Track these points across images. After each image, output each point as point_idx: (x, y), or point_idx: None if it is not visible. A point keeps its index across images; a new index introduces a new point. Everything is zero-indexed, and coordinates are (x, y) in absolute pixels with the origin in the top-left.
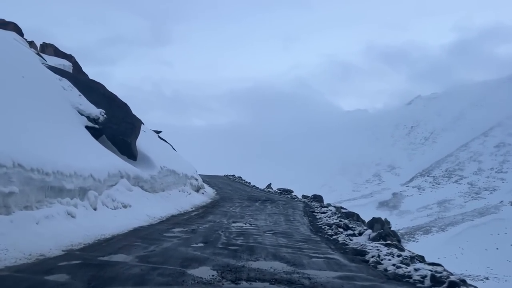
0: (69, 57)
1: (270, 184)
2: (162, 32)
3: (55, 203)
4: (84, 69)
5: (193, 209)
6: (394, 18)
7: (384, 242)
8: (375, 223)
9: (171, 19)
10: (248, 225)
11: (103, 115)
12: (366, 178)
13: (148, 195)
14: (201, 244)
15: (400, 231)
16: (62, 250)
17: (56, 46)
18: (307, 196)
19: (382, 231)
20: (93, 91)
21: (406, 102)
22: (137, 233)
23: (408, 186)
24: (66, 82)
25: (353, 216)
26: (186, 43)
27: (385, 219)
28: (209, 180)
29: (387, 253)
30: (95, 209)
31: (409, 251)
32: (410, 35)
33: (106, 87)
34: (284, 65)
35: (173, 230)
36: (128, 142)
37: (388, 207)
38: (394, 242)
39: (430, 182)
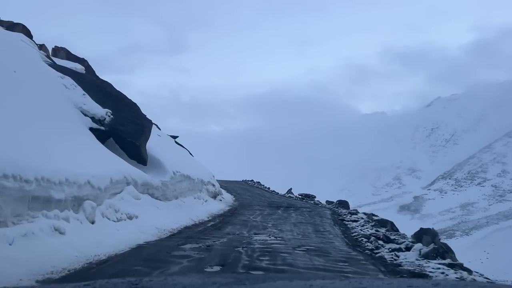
0: (82, 61)
1: (291, 189)
2: (179, 40)
3: (39, 217)
4: (102, 78)
5: (210, 218)
6: (411, 20)
7: (444, 262)
8: (423, 234)
9: (188, 27)
10: (272, 238)
11: (109, 116)
12: (386, 182)
13: (158, 203)
14: (217, 268)
15: None
16: (37, 281)
17: (69, 50)
18: (332, 202)
19: (434, 245)
20: (99, 90)
21: (425, 104)
22: (140, 251)
23: (429, 189)
24: (68, 80)
25: (387, 224)
26: (203, 50)
27: (432, 228)
28: (227, 185)
29: (456, 278)
30: (92, 223)
31: (477, 273)
32: (428, 36)
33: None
34: (300, 69)
35: (184, 247)
36: (137, 145)
37: (409, 211)
38: (458, 262)
39: (452, 185)
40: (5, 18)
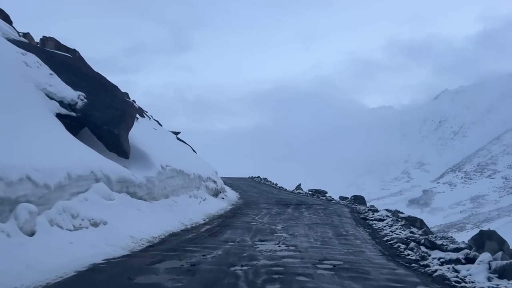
0: (72, 51)
1: (300, 184)
2: (183, 39)
3: None
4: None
5: (206, 220)
6: (415, 12)
7: None
8: (486, 239)
9: (192, 25)
10: (283, 247)
11: (82, 100)
12: (394, 176)
13: (141, 204)
14: None
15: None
16: None
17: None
18: (346, 198)
19: (503, 253)
20: (73, 70)
21: (433, 96)
22: (88, 278)
23: (438, 182)
24: (31, 58)
25: (417, 222)
26: (207, 48)
27: (493, 231)
28: (232, 182)
29: None
30: (31, 234)
31: None
32: (433, 28)
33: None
34: (305, 64)
35: (158, 267)
36: (115, 134)
37: (418, 205)
38: None
39: (461, 177)
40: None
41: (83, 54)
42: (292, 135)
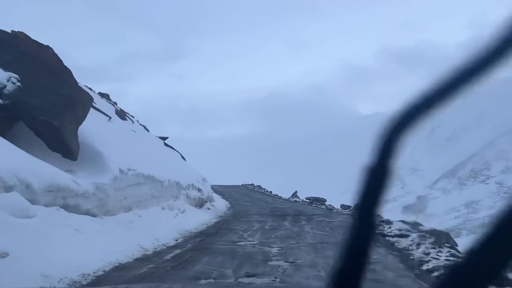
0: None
1: (296, 192)
2: (176, 47)
3: None
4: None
5: (178, 241)
6: (406, 20)
7: None
8: None
9: (184, 34)
10: None
11: (14, 83)
12: None
13: (83, 222)
14: None
15: None
16: None
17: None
18: (348, 206)
19: None
20: (7, 48)
21: None
22: None
23: (432, 188)
24: None
25: (443, 237)
26: (199, 56)
27: None
28: (223, 190)
29: None
30: None
31: None
32: (424, 35)
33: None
34: (297, 72)
35: None
36: (55, 127)
37: (413, 211)
38: None
39: (455, 183)
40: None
41: (76, 62)
42: (286, 142)
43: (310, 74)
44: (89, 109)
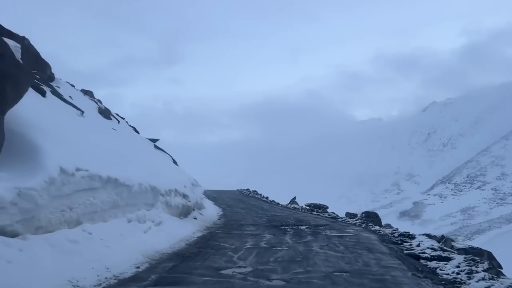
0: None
1: (295, 198)
2: (172, 51)
3: None
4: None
5: (141, 268)
6: (401, 26)
7: None
8: None
9: (181, 38)
10: None
11: None
12: (384, 188)
13: None
14: None
15: None
16: None
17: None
18: (354, 215)
19: None
20: None
21: (421, 108)
22: None
23: (429, 194)
24: None
25: (483, 256)
26: (196, 61)
27: None
28: (216, 196)
29: None
30: None
31: None
32: (418, 41)
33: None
34: (293, 77)
35: None
36: None
37: (409, 217)
38: None
39: (451, 189)
40: None
41: (72, 67)
42: (281, 147)
43: (305, 79)
44: (26, 89)
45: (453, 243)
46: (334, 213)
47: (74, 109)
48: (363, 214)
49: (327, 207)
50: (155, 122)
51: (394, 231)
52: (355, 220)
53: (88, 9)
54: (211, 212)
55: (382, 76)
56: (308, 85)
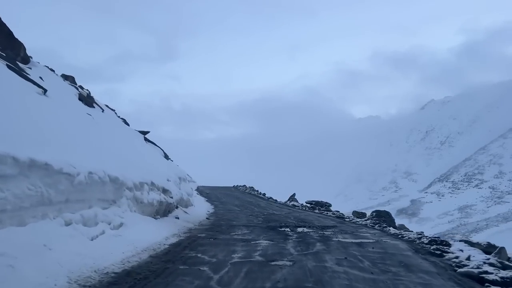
0: None
1: (294, 195)
2: (170, 48)
3: None
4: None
5: None
6: (398, 24)
7: None
8: None
9: (179, 34)
10: None
11: None
12: (382, 186)
13: None
14: None
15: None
16: None
17: None
18: (362, 214)
19: None
20: None
21: (419, 107)
22: None
23: (426, 192)
24: None
25: None
26: (193, 57)
27: None
28: (210, 192)
29: None
30: None
31: None
32: (416, 40)
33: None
34: (291, 74)
35: None
36: None
37: (407, 215)
38: None
39: (449, 187)
40: None
41: (69, 62)
42: (279, 144)
43: (303, 76)
44: None
45: (496, 251)
46: (338, 211)
47: (36, 87)
48: (374, 213)
49: (330, 205)
50: (152, 118)
51: (420, 235)
52: (365, 220)
53: (86, 5)
54: (200, 210)
55: (380, 74)
56: (306, 82)
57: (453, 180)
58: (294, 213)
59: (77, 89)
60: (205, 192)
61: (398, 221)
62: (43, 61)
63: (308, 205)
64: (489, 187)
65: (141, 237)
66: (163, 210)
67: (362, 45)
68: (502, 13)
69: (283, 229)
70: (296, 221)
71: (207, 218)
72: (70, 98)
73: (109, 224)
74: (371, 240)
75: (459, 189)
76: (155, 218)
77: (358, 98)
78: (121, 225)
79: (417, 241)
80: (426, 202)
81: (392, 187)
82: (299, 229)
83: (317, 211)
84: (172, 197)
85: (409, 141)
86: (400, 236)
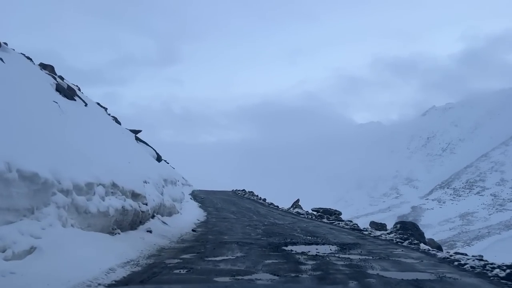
0: None
1: (298, 201)
2: (171, 51)
3: None
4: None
5: None
6: (399, 30)
7: None
8: None
9: (180, 38)
10: None
11: None
12: (383, 192)
13: None
14: None
15: None
16: None
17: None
18: (382, 225)
19: None
20: None
21: (420, 113)
22: None
23: (427, 199)
24: None
25: None
26: (194, 61)
27: None
28: (205, 196)
29: None
30: None
31: None
32: (417, 46)
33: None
34: (292, 79)
35: None
36: None
37: None
38: None
39: (450, 194)
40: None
41: (70, 65)
42: (279, 149)
43: (304, 82)
44: None
45: None
46: (351, 221)
47: None
48: (398, 226)
49: (339, 213)
50: (153, 121)
51: (480, 259)
52: (388, 234)
53: (87, 8)
54: (187, 218)
55: (380, 80)
56: (307, 87)
57: (454, 187)
58: (300, 223)
59: (55, 79)
60: (200, 196)
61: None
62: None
63: (315, 213)
64: (491, 195)
65: (63, 271)
66: (128, 222)
67: (362, 50)
68: (502, 20)
69: (289, 248)
70: (305, 235)
71: (193, 230)
72: (47, 88)
73: (3, 251)
74: (427, 275)
75: (460, 196)
76: (112, 233)
77: (359, 103)
78: (31, 250)
79: (489, 273)
80: (427, 209)
81: (393, 193)
82: (313, 250)
83: (325, 220)
84: (146, 204)
85: (410, 147)
86: (456, 263)
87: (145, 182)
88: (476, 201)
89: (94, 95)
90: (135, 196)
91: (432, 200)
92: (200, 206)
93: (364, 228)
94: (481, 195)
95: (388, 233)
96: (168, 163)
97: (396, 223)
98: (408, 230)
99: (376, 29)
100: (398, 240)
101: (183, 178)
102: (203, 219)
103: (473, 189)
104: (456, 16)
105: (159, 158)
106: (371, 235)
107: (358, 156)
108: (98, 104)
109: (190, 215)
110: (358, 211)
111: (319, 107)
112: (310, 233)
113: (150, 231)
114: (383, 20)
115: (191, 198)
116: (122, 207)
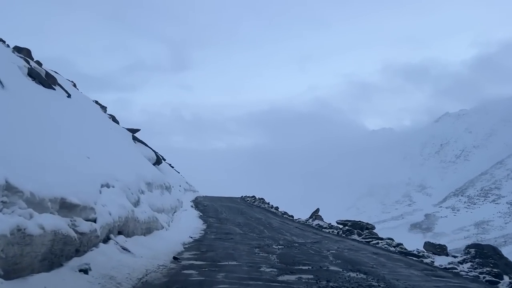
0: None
1: (318, 210)
2: (182, 58)
3: None
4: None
5: None
6: (410, 36)
7: None
8: None
9: (191, 45)
10: None
11: None
12: (395, 199)
13: None
14: None
15: None
16: None
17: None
18: (442, 248)
19: None
20: None
21: (433, 119)
22: None
23: (441, 206)
24: None
25: None
26: (205, 68)
27: None
28: (209, 203)
29: None
30: None
31: None
32: (428, 52)
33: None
34: (302, 86)
35: None
36: None
37: (421, 229)
38: None
39: (464, 202)
40: (10, 37)
41: (82, 71)
42: (290, 155)
43: (314, 88)
44: None
45: None
46: (392, 239)
47: None
48: (472, 251)
49: (372, 227)
50: (163, 128)
51: None
52: (460, 263)
53: (100, 14)
54: (173, 237)
55: (392, 86)
56: (317, 93)
57: (468, 194)
58: (329, 243)
59: (28, 63)
60: (203, 204)
61: (411, 236)
62: (55, 69)
63: (341, 226)
64: (507, 203)
65: None
66: (42, 255)
67: (373, 57)
68: None
69: None
70: (345, 268)
71: (174, 258)
72: (15, 74)
73: None
74: None
75: (475, 204)
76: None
77: (371, 110)
78: None
79: None
80: (441, 216)
81: (406, 201)
82: None
83: (357, 237)
84: (94, 220)
85: (423, 154)
86: None
87: (105, 186)
88: (492, 209)
89: (105, 100)
90: (68, 208)
91: (446, 208)
92: (200, 216)
93: (418, 252)
94: (497, 203)
95: (459, 262)
96: (173, 167)
97: (468, 247)
98: (489, 257)
99: (387, 35)
100: (479, 274)
101: (187, 183)
102: (198, 235)
103: (488, 197)
104: (467, 22)
105: (159, 161)
106: (433, 265)
107: (370, 163)
108: (97, 102)
109: (181, 231)
110: (370, 219)
111: (330, 113)
112: (351, 264)
113: (86, 270)
114: (393, 26)
115: (192, 206)
116: (21, 229)
